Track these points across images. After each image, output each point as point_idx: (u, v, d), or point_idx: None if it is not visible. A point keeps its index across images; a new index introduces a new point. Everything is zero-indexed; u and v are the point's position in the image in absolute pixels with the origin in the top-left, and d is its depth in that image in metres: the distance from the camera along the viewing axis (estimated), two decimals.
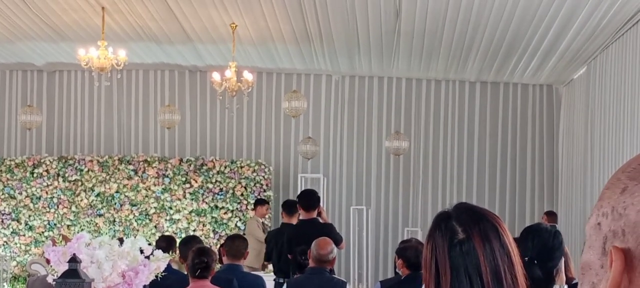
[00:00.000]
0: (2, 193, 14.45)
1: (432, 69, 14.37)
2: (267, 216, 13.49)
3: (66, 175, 14.49)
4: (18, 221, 14.44)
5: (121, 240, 4.89)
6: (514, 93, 15.35)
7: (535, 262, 4.00)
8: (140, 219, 14.41)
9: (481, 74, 14.58)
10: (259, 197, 14.13)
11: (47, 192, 14.47)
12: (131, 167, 14.53)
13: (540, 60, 13.04)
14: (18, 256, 14.38)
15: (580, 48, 12.07)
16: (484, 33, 11.50)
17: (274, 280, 9.53)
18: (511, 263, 2.04)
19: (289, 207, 9.81)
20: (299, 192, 11.25)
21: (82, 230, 14.12)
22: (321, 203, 10.07)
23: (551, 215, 12.84)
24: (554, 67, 13.50)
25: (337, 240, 8.24)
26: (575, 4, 9.84)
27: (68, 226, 14.37)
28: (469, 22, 10.95)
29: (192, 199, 14.47)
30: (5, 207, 14.42)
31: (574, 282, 6.33)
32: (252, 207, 13.73)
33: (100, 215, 14.42)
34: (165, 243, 7.69)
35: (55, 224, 14.41)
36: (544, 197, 15.24)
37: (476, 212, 2.12)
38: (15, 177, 14.48)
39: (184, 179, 14.52)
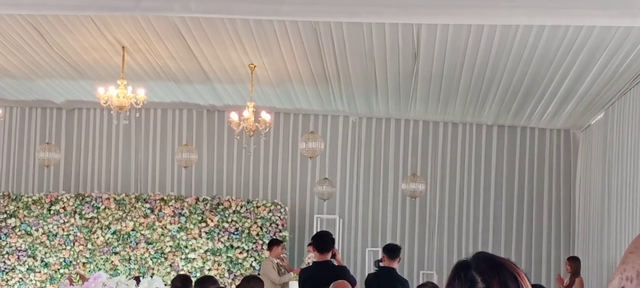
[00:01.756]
0: (19, 230, 14.50)
1: (449, 111, 14.36)
2: (281, 256, 13.43)
3: (83, 212, 14.53)
4: (34, 258, 14.46)
5: (137, 279, 4.90)
6: (531, 137, 15.31)
7: None
8: (155, 258, 14.41)
9: (498, 117, 14.57)
10: (274, 237, 14.10)
11: (63, 229, 14.51)
12: (148, 205, 14.56)
13: (558, 105, 13.02)
14: None
15: (599, 93, 12.04)
16: (502, 77, 11.50)
17: None
18: None
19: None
20: (314, 232, 11.22)
21: (97, 267, 14.13)
22: (336, 245, 10.03)
23: (574, 260, 12.68)
24: (572, 112, 13.47)
25: (351, 283, 8.20)
26: (594, 49, 9.84)
27: (84, 263, 14.38)
28: (487, 66, 10.96)
29: (208, 238, 14.46)
30: (21, 244, 14.46)
31: None
32: (267, 247, 13.71)
33: (115, 253, 14.43)
34: (180, 282, 7.67)
35: (71, 261, 14.43)
36: (560, 242, 15.13)
37: (495, 261, 2.12)
38: (32, 214, 14.53)
39: (200, 218, 14.52)
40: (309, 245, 12.57)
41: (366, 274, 14.45)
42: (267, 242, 14.20)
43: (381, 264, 9.99)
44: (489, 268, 2.07)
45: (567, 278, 12.44)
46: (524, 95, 12.53)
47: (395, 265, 9.73)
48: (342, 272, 8.75)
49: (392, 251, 10.01)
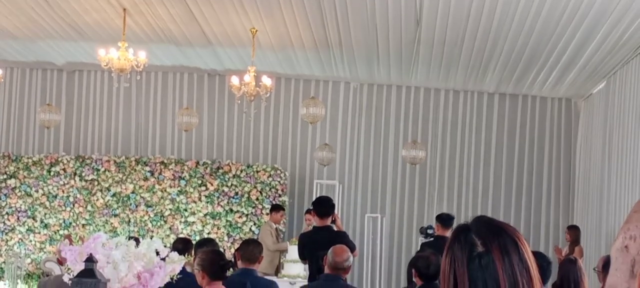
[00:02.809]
0: (19, 191, 14.52)
1: (451, 79, 14.34)
2: (281, 222, 13.48)
3: (83, 174, 14.55)
4: (34, 219, 14.50)
5: (137, 241, 4.90)
6: (533, 105, 15.30)
7: None
8: (155, 220, 14.45)
9: (500, 85, 14.54)
10: (274, 202, 14.15)
11: (63, 191, 14.53)
12: (148, 168, 14.58)
13: (559, 73, 13.00)
14: (33, 254, 14.44)
15: (601, 62, 12.02)
16: (504, 44, 11.47)
17: None
18: (530, 277, 2.02)
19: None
20: (314, 198, 11.24)
21: (97, 229, 14.17)
22: (336, 210, 10.05)
23: (573, 229, 12.70)
24: (574, 80, 13.45)
25: (351, 249, 8.22)
26: (597, 18, 9.80)
27: (83, 225, 14.42)
28: (490, 33, 10.92)
29: (208, 202, 14.49)
30: (21, 205, 14.49)
31: None
32: (268, 211, 13.78)
33: (115, 215, 14.47)
34: (181, 245, 7.71)
35: (70, 223, 14.47)
36: (559, 210, 15.17)
37: (496, 225, 2.11)
38: (32, 175, 14.55)
39: (199, 182, 14.54)
40: (306, 212, 12.62)
41: (366, 240, 14.56)
42: (266, 206, 14.26)
43: (435, 233, 10.09)
44: (489, 232, 2.07)
45: (566, 247, 12.47)
46: (526, 63, 12.51)
47: (448, 234, 9.79)
48: (341, 237, 8.78)
49: (446, 220, 10.10)
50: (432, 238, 10.22)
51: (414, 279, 6.42)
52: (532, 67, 12.76)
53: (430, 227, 10.61)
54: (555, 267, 7.10)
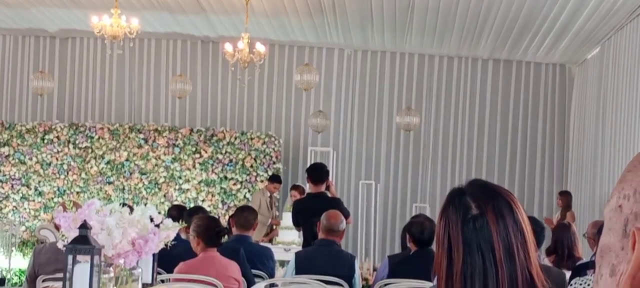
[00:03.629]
0: (13, 159, 14.50)
1: (445, 45, 14.32)
2: (276, 193, 13.51)
3: (77, 142, 14.53)
4: (28, 186, 14.49)
5: (131, 208, 4.90)
6: (527, 71, 15.29)
7: None
8: (149, 188, 14.45)
9: (494, 51, 14.52)
10: (269, 169, 14.22)
11: (57, 159, 14.51)
12: (141, 135, 14.56)
13: (554, 39, 12.98)
14: (27, 221, 14.44)
15: (595, 28, 12.00)
16: (498, 10, 11.44)
17: None
18: (524, 240, 2.03)
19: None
20: (308, 165, 11.25)
21: (91, 196, 14.17)
22: (330, 177, 10.06)
23: (565, 195, 12.74)
24: (568, 46, 13.44)
25: (345, 215, 8.24)
26: None
27: (77, 193, 14.41)
28: None
29: (202, 169, 14.49)
30: (15, 172, 14.47)
31: (580, 262, 6.34)
32: (263, 179, 13.84)
33: (109, 183, 14.46)
34: (176, 212, 7.73)
35: (64, 191, 14.46)
36: (553, 177, 15.21)
37: (490, 188, 2.12)
38: (25, 143, 14.52)
39: (194, 149, 14.54)
40: (291, 188, 12.62)
41: (360, 206, 14.59)
42: (261, 173, 14.30)
43: None
44: (484, 194, 2.07)
45: (558, 213, 12.51)
46: (520, 28, 12.48)
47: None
48: (336, 204, 8.80)
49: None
50: None
51: (408, 244, 6.45)
52: (526, 32, 12.73)
53: None
54: (548, 234, 7.13)
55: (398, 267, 6.35)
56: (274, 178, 13.40)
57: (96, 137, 14.55)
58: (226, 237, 6.59)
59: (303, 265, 6.73)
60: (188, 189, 14.45)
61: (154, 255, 5.18)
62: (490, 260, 1.99)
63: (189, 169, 14.49)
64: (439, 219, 2.10)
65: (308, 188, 9.34)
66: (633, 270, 0.86)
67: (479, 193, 2.07)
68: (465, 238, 2.01)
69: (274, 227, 12.64)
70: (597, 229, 6.32)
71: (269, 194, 13.16)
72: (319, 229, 7.07)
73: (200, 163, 14.52)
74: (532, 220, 5.89)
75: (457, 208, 2.06)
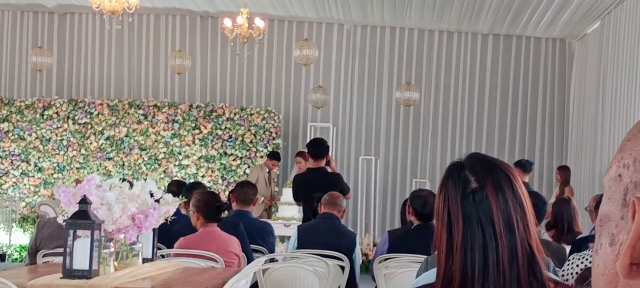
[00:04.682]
0: (12, 135, 14.49)
1: (444, 20, 14.28)
2: (274, 169, 13.53)
3: (76, 117, 14.52)
4: (27, 162, 14.50)
5: (131, 184, 4.91)
6: (527, 46, 15.27)
7: None
8: (149, 164, 14.46)
9: (494, 26, 14.49)
10: (269, 146, 14.23)
11: (56, 134, 14.51)
12: (141, 111, 14.55)
13: (554, 13, 12.95)
14: (27, 197, 14.46)
15: (595, 2, 11.97)
16: None
17: None
18: (524, 213, 2.03)
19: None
20: (308, 141, 11.25)
21: (91, 173, 14.18)
22: (330, 153, 10.06)
23: (564, 170, 12.74)
24: (568, 20, 13.40)
25: (345, 190, 8.26)
26: None
27: (77, 169, 14.42)
28: None
29: (201, 145, 14.49)
30: (15, 148, 14.47)
31: (580, 236, 6.35)
32: (263, 155, 13.85)
33: (109, 159, 14.47)
34: (176, 187, 7.72)
35: (64, 166, 14.46)
36: (553, 150, 15.22)
37: (489, 161, 2.12)
38: (25, 119, 14.51)
39: (193, 125, 14.53)
40: (297, 155, 12.65)
41: (360, 182, 14.60)
42: (261, 149, 14.31)
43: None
44: (483, 168, 2.07)
45: (557, 188, 12.52)
46: (520, 3, 12.45)
47: (527, 179, 10.40)
48: (335, 179, 8.82)
49: (526, 165, 10.66)
50: None
51: (409, 218, 6.45)
52: (526, 7, 12.70)
53: None
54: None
55: (398, 241, 6.36)
56: (273, 155, 13.41)
57: (95, 112, 14.54)
58: (226, 212, 6.60)
59: (305, 237, 6.78)
60: (188, 165, 14.45)
61: (154, 230, 5.19)
62: (490, 233, 1.99)
63: (188, 145, 14.50)
64: (438, 193, 2.10)
65: (308, 163, 9.34)
66: (633, 239, 0.85)
67: (478, 167, 2.07)
68: (464, 212, 2.01)
69: (269, 205, 12.62)
70: (598, 203, 6.32)
71: (267, 170, 13.17)
72: (320, 206, 7.11)
73: (199, 139, 14.52)
74: (534, 195, 5.91)
75: (456, 182, 2.05)
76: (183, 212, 6.68)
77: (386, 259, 6.29)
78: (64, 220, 4.32)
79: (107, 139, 14.50)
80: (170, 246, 6.10)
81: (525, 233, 2.01)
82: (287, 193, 10.63)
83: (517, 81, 15.30)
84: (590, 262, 4.22)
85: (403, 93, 14.03)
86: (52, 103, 14.60)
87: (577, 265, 4.23)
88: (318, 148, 9.09)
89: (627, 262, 0.86)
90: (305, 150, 9.69)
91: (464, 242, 2.00)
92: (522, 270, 1.98)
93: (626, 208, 0.88)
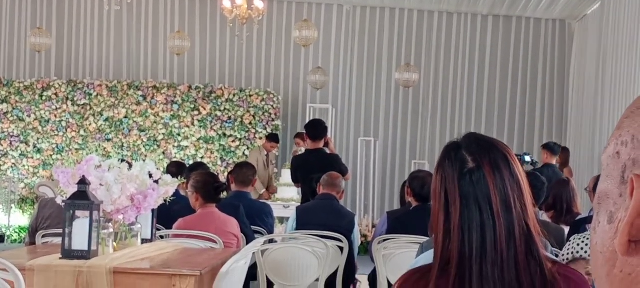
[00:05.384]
0: (11, 116, 14.48)
1: (444, 1, 14.26)
2: (273, 151, 13.48)
3: (75, 99, 14.50)
4: (26, 143, 14.49)
5: (129, 165, 4.90)
6: (527, 27, 15.25)
7: None
8: (148, 145, 14.45)
9: (494, 7, 14.46)
10: (268, 127, 14.22)
11: (56, 116, 14.49)
12: (140, 92, 14.53)
13: None
14: (26, 178, 14.46)
15: None
16: None
17: None
18: (521, 192, 2.03)
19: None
20: (307, 122, 11.24)
21: (90, 154, 14.16)
22: (329, 134, 10.05)
23: (563, 151, 12.74)
24: (568, 1, 13.39)
25: (343, 171, 8.26)
26: None
27: (76, 150, 14.41)
28: None
29: (201, 126, 14.48)
30: (14, 130, 14.46)
31: (579, 217, 6.35)
32: (262, 136, 13.83)
33: (108, 140, 14.46)
34: (175, 168, 7.73)
35: (63, 147, 14.46)
36: (552, 133, 15.21)
37: (486, 141, 2.12)
38: (24, 100, 14.50)
39: (192, 106, 14.52)
40: (295, 136, 12.64)
41: (359, 163, 14.61)
42: (260, 130, 14.29)
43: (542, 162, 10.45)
44: (480, 148, 2.06)
45: None
46: None
47: (554, 162, 10.52)
48: (334, 160, 8.82)
49: (554, 148, 10.77)
50: (537, 166, 10.48)
51: (408, 199, 6.46)
52: None
53: (526, 155, 10.78)
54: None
55: (397, 222, 6.37)
56: (272, 138, 13.36)
57: (94, 94, 14.52)
58: (225, 193, 6.60)
59: (304, 218, 6.79)
60: (187, 146, 14.45)
61: (153, 211, 5.20)
62: (488, 212, 1.99)
63: (187, 126, 14.49)
64: (435, 174, 2.10)
65: (307, 144, 9.34)
66: (631, 216, 0.85)
67: (474, 147, 2.07)
68: (462, 192, 2.01)
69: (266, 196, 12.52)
70: (596, 183, 6.31)
71: (266, 153, 13.14)
72: (319, 187, 7.12)
73: (199, 121, 14.51)
74: (533, 176, 5.90)
75: (453, 162, 2.05)
76: (182, 193, 6.68)
77: (385, 240, 6.30)
78: (63, 201, 4.32)
79: (106, 120, 14.49)
80: (169, 227, 6.11)
81: (523, 212, 2.01)
82: (286, 175, 10.63)
83: (516, 62, 15.28)
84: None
85: (402, 74, 14.01)
86: (51, 84, 14.58)
87: (578, 245, 4.23)
88: (316, 129, 9.09)
89: (625, 239, 0.85)
90: (304, 132, 9.68)
91: (462, 222, 2.00)
92: (520, 249, 1.99)
93: (624, 186, 0.88)
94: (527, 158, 10.40)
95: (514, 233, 1.98)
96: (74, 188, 4.31)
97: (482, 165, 2.02)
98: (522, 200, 2.02)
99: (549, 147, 10.84)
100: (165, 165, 9.56)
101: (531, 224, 2.02)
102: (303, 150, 10.92)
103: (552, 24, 15.21)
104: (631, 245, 0.85)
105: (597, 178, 6.70)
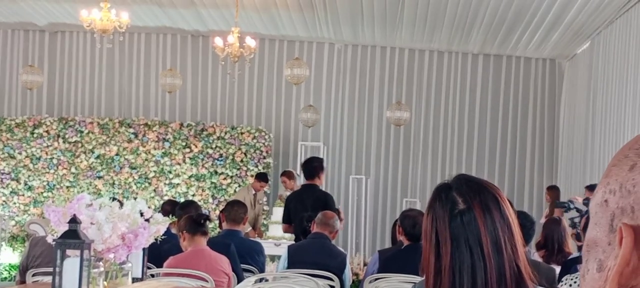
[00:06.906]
0: (2, 153, 14.45)
1: (435, 39, 14.32)
2: (262, 191, 13.24)
3: (66, 136, 14.49)
4: (17, 181, 14.45)
5: (121, 203, 4.89)
6: (517, 66, 15.32)
7: None
8: (139, 182, 14.42)
9: (484, 46, 14.54)
10: (260, 165, 14.18)
11: (47, 153, 14.47)
12: (131, 130, 14.53)
13: (544, 33, 13.00)
14: (17, 216, 14.40)
15: (585, 23, 12.02)
16: (488, 4, 11.45)
17: None
18: (511, 234, 2.04)
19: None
20: (298, 160, 11.25)
21: (81, 191, 14.12)
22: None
23: (553, 190, 12.81)
24: (558, 41, 13.46)
25: (333, 209, 8.25)
26: None
27: (67, 187, 14.37)
28: None
29: (192, 164, 14.47)
30: (4, 167, 14.43)
31: (570, 256, 6.35)
32: (254, 174, 13.78)
33: (99, 177, 14.43)
34: (170, 207, 7.73)
35: (54, 185, 14.42)
36: (543, 171, 15.24)
37: (477, 182, 2.12)
38: (15, 137, 14.48)
39: (184, 144, 14.51)
40: (281, 175, 12.56)
41: (350, 201, 14.59)
42: (251, 168, 14.27)
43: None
44: (470, 189, 2.07)
45: (546, 208, 12.54)
46: (510, 23, 12.50)
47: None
48: (325, 197, 8.80)
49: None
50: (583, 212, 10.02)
51: (399, 238, 6.45)
52: (516, 27, 12.75)
53: (570, 202, 10.20)
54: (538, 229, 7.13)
55: (388, 261, 6.35)
56: (261, 177, 13.14)
57: (86, 131, 14.51)
58: (209, 222, 6.54)
59: (295, 257, 6.77)
60: (178, 184, 14.43)
61: (144, 249, 5.18)
62: (479, 254, 2.00)
63: (179, 164, 14.47)
64: (426, 215, 2.10)
65: (290, 185, 9.34)
66: (620, 266, 0.86)
67: (465, 188, 2.08)
68: (452, 233, 2.02)
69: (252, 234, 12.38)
70: (586, 225, 6.31)
71: (254, 192, 12.95)
72: (312, 226, 7.11)
73: (190, 158, 14.50)
74: (522, 215, 5.91)
75: (443, 203, 2.06)
76: (173, 231, 6.66)
77: (376, 279, 6.28)
78: (54, 240, 4.31)
79: (98, 157, 14.47)
80: (160, 265, 6.09)
81: (513, 254, 2.02)
82: (278, 213, 10.61)
83: (507, 101, 15.34)
84: None
85: (393, 112, 14.05)
86: (43, 121, 14.57)
87: (570, 286, 4.24)
88: (306, 167, 9.10)
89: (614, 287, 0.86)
90: (290, 170, 9.74)
91: (452, 263, 2.00)
92: None
93: (613, 234, 0.89)
94: (572, 205, 9.85)
95: (505, 276, 1.99)
96: (64, 227, 4.30)
97: (473, 206, 2.03)
98: (513, 241, 2.02)
99: (593, 189, 10.61)
100: (157, 203, 9.55)
101: (522, 266, 2.02)
102: (290, 188, 10.94)
103: (542, 63, 15.28)
104: None
105: (587, 219, 6.72)
